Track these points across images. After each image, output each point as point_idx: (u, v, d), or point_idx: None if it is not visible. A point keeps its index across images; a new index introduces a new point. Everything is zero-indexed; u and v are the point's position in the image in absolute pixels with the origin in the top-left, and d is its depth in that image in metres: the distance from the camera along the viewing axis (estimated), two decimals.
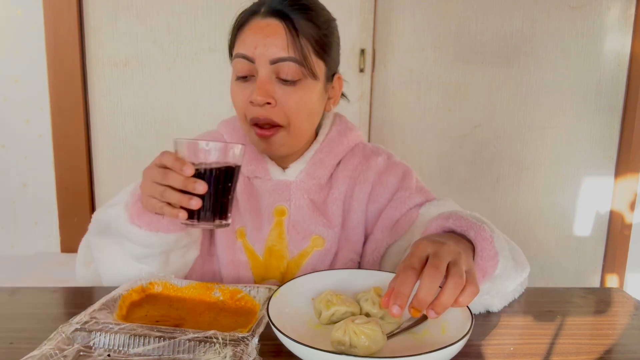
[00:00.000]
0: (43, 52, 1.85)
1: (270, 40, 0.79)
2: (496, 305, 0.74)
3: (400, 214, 0.89)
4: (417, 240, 0.64)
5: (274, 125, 0.83)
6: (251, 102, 0.81)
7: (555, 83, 2.02)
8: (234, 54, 0.84)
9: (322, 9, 0.86)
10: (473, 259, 0.66)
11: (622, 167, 2.07)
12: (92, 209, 1.98)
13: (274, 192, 0.90)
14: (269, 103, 0.81)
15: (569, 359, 0.61)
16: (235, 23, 0.85)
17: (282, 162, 0.92)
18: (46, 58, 1.85)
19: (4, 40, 1.85)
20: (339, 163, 0.94)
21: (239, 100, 0.84)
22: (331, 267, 0.90)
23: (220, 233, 0.90)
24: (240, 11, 0.85)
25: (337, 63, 0.90)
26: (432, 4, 1.94)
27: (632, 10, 1.99)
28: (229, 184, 0.69)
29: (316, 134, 0.95)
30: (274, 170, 0.91)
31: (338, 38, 0.89)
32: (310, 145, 0.93)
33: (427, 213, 0.87)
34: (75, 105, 1.89)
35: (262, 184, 0.91)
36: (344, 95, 0.97)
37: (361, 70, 1.93)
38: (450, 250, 0.60)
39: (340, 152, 0.93)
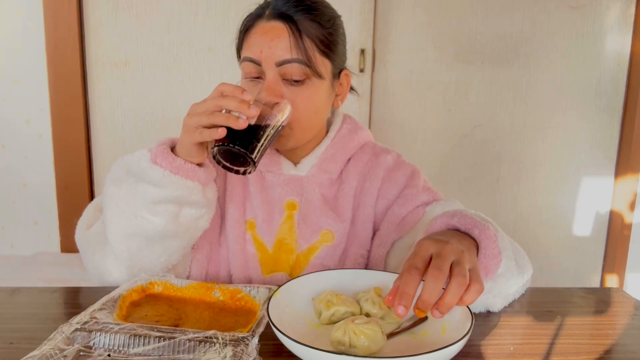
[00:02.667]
0: (43, 52, 1.85)
1: (275, 43, 0.81)
2: (497, 305, 0.74)
3: (406, 211, 0.90)
4: (420, 239, 0.64)
5: None
6: None
7: (555, 83, 2.02)
8: (241, 57, 0.86)
9: (327, 7, 0.87)
10: (477, 256, 0.66)
11: (622, 167, 2.07)
12: None
13: (286, 186, 0.91)
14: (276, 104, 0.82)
15: (569, 359, 0.61)
16: (241, 27, 0.87)
17: (294, 157, 0.94)
18: (46, 58, 1.85)
19: (4, 40, 1.85)
20: (349, 160, 0.95)
21: None
22: (340, 262, 0.91)
23: (229, 222, 0.90)
24: (246, 15, 0.87)
25: (343, 60, 0.91)
26: (432, 4, 1.94)
27: (632, 10, 1.98)
28: (272, 131, 0.73)
29: (327, 131, 0.96)
30: (286, 165, 0.92)
31: (344, 35, 0.91)
32: (321, 142, 0.94)
33: (433, 212, 0.87)
34: (75, 105, 1.89)
35: (274, 178, 0.92)
36: (353, 89, 0.98)
37: (361, 70, 1.93)
38: (454, 250, 0.60)
39: (351, 149, 0.95)
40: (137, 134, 1.94)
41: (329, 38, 0.85)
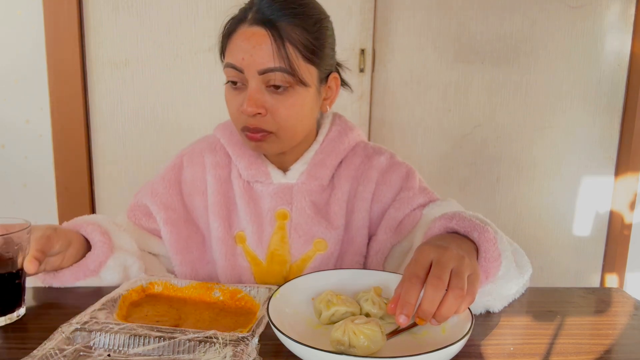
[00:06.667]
0: (43, 52, 1.85)
1: (257, 50, 0.78)
2: (497, 306, 0.74)
3: (403, 214, 0.89)
4: (420, 245, 0.64)
5: (264, 131, 0.83)
6: (242, 112, 0.81)
7: (555, 83, 2.02)
8: (224, 63, 0.83)
9: (312, 8, 0.83)
10: (476, 260, 0.66)
11: (622, 167, 2.07)
12: (92, 209, 1.97)
13: (276, 195, 0.89)
14: (259, 113, 0.80)
15: (569, 359, 0.61)
16: (224, 31, 0.84)
17: (283, 164, 0.91)
18: (46, 58, 1.85)
19: (4, 40, 1.85)
20: (340, 163, 0.93)
21: (231, 107, 0.84)
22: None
23: (215, 239, 0.89)
24: (228, 18, 0.84)
25: (331, 64, 0.88)
26: (432, 4, 1.94)
27: (632, 10, 1.98)
28: (15, 270, 0.67)
29: (316, 133, 0.94)
30: (275, 173, 0.90)
31: (332, 37, 0.87)
32: (310, 146, 0.92)
33: (431, 214, 0.86)
34: (75, 105, 1.89)
35: (263, 187, 0.90)
36: (345, 84, 0.94)
37: (361, 70, 1.93)
38: (454, 256, 0.60)
39: (341, 152, 0.92)
40: (137, 134, 1.94)
41: (314, 43, 0.81)
